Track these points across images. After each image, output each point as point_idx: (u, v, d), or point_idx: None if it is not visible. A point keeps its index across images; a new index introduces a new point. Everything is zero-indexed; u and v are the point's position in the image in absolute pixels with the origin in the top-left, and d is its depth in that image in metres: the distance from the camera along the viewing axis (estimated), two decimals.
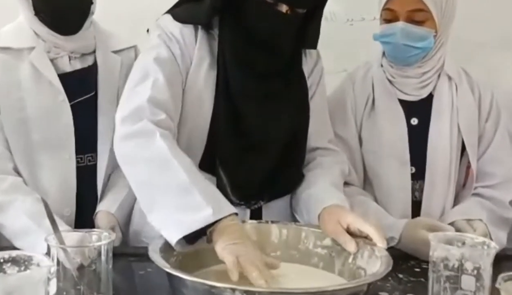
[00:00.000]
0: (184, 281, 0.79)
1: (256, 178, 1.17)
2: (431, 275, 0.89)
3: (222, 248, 0.89)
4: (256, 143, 1.16)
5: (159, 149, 0.98)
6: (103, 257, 0.83)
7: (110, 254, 0.84)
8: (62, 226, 1.11)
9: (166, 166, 0.96)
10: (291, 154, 1.20)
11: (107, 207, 1.27)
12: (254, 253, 0.90)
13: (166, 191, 0.95)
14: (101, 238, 0.86)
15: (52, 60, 1.25)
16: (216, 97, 1.13)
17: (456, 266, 0.85)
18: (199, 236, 0.93)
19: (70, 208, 1.26)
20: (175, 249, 0.92)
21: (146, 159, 0.99)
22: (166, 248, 0.92)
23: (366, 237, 0.97)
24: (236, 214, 0.94)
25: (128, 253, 1.14)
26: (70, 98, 1.26)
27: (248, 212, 1.20)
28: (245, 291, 0.74)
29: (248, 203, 1.19)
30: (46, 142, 1.23)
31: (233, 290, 0.74)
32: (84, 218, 1.25)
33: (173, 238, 0.91)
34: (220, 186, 1.12)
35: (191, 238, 0.92)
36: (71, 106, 1.25)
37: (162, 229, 0.94)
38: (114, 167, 1.31)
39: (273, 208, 1.22)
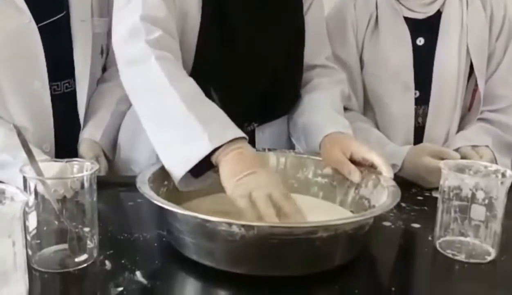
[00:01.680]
0: (176, 214, 0.73)
1: (248, 98, 1.08)
2: (440, 205, 0.83)
3: (232, 188, 0.78)
4: (248, 59, 1.05)
5: (155, 75, 0.88)
6: (86, 189, 0.76)
7: (94, 186, 0.77)
8: (41, 156, 1.03)
9: (163, 95, 0.86)
10: (287, 72, 1.11)
11: (90, 135, 1.18)
12: (271, 184, 0.77)
13: (165, 122, 0.86)
14: (83, 168, 0.78)
15: None
16: (203, 8, 1.01)
17: (469, 195, 0.79)
18: (206, 168, 0.83)
19: (49, 142, 1.16)
20: (179, 189, 0.84)
21: (144, 89, 0.90)
22: (156, 177, 0.85)
23: (371, 166, 0.91)
24: (245, 138, 0.83)
25: (117, 182, 1.08)
26: (38, 19, 1.10)
27: None
28: (243, 226, 0.68)
29: (240, 125, 1.10)
30: (14, 71, 1.09)
31: (229, 224, 0.68)
32: (66, 152, 1.14)
33: (176, 176, 0.82)
34: None
35: (198, 171, 0.83)
36: (39, 28, 1.10)
37: (168, 169, 0.85)
38: (94, 91, 1.22)
39: (268, 132, 1.15)
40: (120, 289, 0.69)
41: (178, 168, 0.82)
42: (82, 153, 1.16)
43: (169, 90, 0.86)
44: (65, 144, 1.18)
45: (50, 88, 1.14)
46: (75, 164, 0.79)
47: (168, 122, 0.85)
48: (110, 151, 1.22)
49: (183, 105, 0.84)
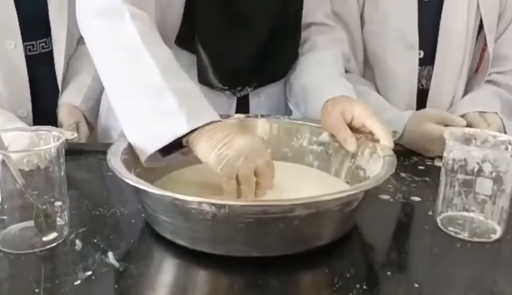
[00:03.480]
0: (146, 192, 0.66)
1: (243, 57, 0.99)
2: (443, 179, 0.76)
3: (214, 161, 0.70)
4: (243, 13, 0.96)
5: (129, 35, 0.78)
6: (53, 161, 0.69)
7: (62, 159, 0.70)
8: (17, 123, 0.96)
9: (136, 58, 0.77)
10: (284, 32, 1.02)
11: (70, 99, 1.12)
12: (254, 150, 0.70)
13: (135, 89, 0.77)
14: (50, 139, 0.71)
15: None
16: None
17: (476, 169, 0.72)
18: (175, 146, 0.75)
19: (25, 107, 1.09)
20: (143, 165, 0.76)
21: (115, 47, 0.80)
22: (131, 149, 0.78)
23: (370, 133, 0.83)
24: (220, 121, 0.75)
25: (97, 150, 1.01)
26: None
27: (234, 100, 1.04)
28: (213, 204, 0.61)
29: (233, 88, 1.02)
30: None
31: (200, 203, 0.62)
32: (44, 117, 1.08)
33: (146, 151, 0.74)
34: (200, 67, 0.95)
35: (166, 149, 0.76)
36: None
37: (134, 141, 0.77)
38: (73, 52, 1.13)
39: (263, 96, 1.07)
40: (89, 273, 0.63)
41: (149, 143, 0.74)
42: (62, 118, 1.10)
43: (143, 53, 0.76)
44: (44, 110, 1.12)
45: (25, 48, 1.07)
46: (42, 134, 0.72)
47: (140, 90, 0.76)
48: (91, 116, 1.15)
49: (159, 74, 0.75)
